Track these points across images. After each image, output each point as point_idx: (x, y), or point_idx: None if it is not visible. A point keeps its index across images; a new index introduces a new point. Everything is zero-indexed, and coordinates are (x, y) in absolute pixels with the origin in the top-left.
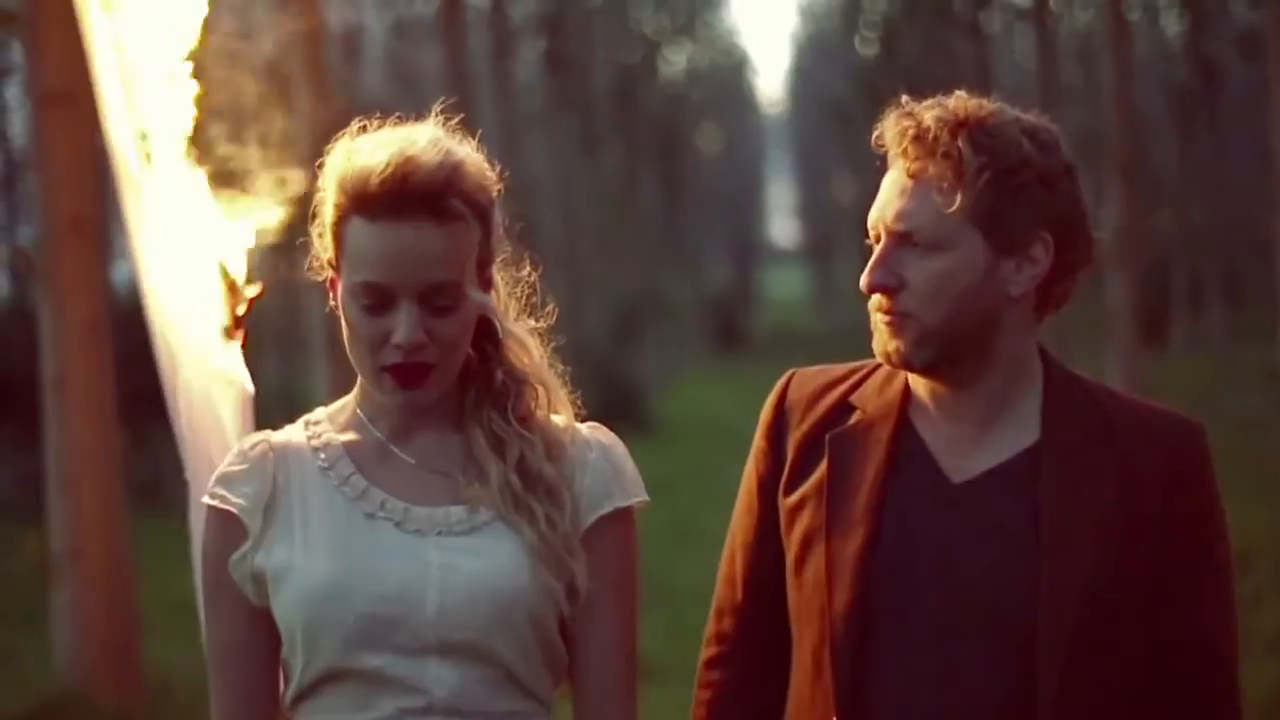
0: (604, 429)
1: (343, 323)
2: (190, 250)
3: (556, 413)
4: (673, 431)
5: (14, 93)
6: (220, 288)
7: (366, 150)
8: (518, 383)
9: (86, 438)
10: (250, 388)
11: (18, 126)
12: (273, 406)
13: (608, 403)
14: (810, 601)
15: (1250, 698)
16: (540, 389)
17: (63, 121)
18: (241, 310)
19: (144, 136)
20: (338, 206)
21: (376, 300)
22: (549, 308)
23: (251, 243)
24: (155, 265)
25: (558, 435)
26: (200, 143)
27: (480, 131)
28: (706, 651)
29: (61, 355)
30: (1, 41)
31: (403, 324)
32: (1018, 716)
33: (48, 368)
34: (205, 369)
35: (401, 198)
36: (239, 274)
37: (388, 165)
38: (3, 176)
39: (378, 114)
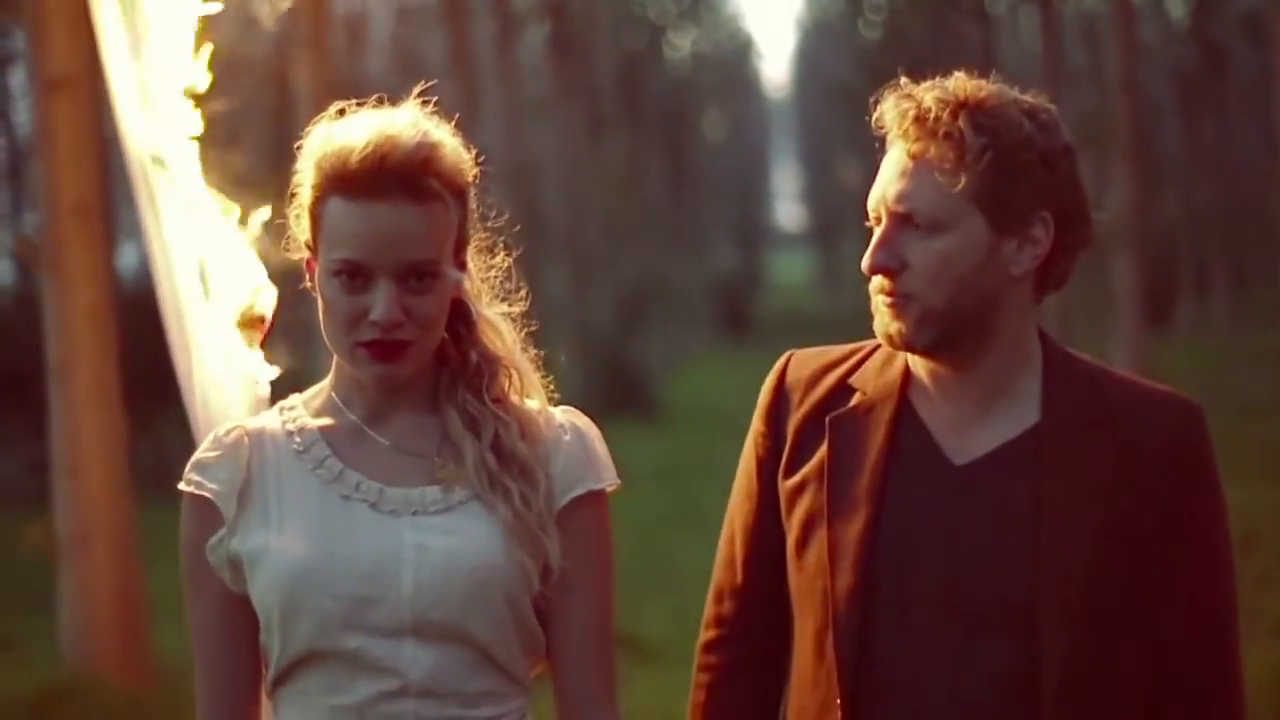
0: (577, 413)
1: (319, 301)
2: (204, 245)
3: (529, 397)
4: (679, 416)
5: (19, 80)
6: (240, 287)
7: (345, 131)
8: (491, 365)
9: (91, 423)
10: (266, 385)
11: (23, 114)
12: (280, 393)
13: (614, 388)
14: (812, 584)
15: (1256, 678)
16: (514, 372)
17: (66, 107)
18: (266, 312)
19: (157, 159)
20: (315, 187)
21: (354, 278)
22: (523, 291)
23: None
24: (171, 258)
25: (532, 417)
26: (211, 138)
27: (485, 117)
28: (705, 635)
29: (66, 342)
30: (5, 29)
31: (380, 301)
32: (1021, 698)
33: (52, 354)
34: (222, 361)
35: (380, 177)
36: (258, 273)
37: (367, 145)
38: (8, 164)
39: (376, 99)
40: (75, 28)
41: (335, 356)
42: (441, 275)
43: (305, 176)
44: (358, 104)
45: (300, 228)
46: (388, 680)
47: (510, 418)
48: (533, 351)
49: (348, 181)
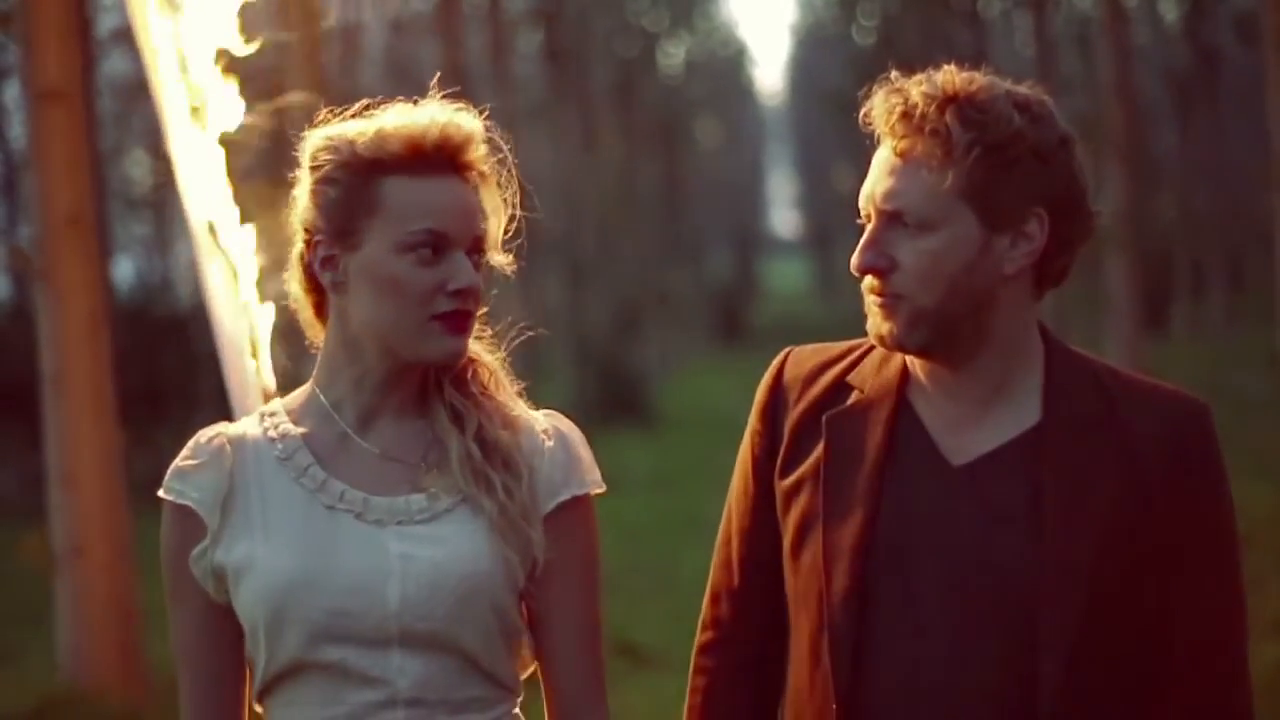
0: (560, 416)
1: (365, 289)
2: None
3: (501, 392)
4: (675, 423)
5: (13, 94)
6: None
7: (398, 116)
8: (471, 360)
9: (87, 435)
10: None
11: (17, 128)
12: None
13: (610, 395)
14: (808, 586)
15: (1252, 678)
16: (487, 369)
17: (59, 119)
18: None
19: (211, 229)
20: (362, 170)
21: (434, 250)
22: (517, 299)
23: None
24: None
25: (509, 406)
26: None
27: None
28: (701, 637)
29: (61, 353)
30: (0, 44)
31: (462, 270)
32: (1020, 702)
33: (47, 366)
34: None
35: (450, 154)
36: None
37: (433, 124)
38: (2, 176)
39: (376, 102)
40: (67, 40)
41: (321, 359)
42: (486, 255)
43: (339, 166)
44: (359, 112)
45: (326, 218)
46: (376, 690)
47: (491, 406)
48: (502, 354)
49: (417, 159)
